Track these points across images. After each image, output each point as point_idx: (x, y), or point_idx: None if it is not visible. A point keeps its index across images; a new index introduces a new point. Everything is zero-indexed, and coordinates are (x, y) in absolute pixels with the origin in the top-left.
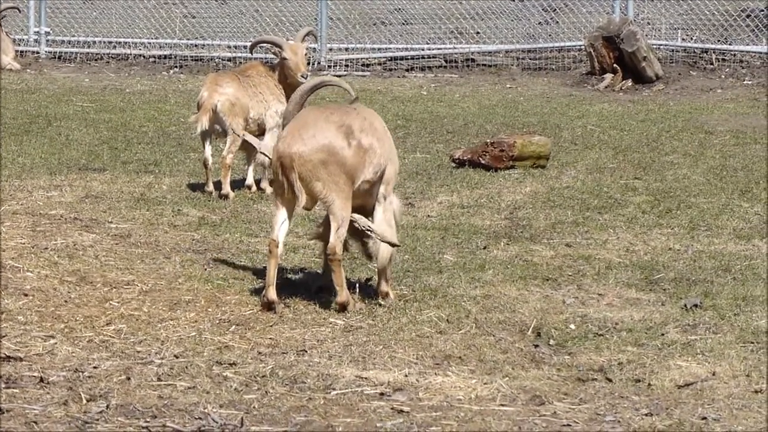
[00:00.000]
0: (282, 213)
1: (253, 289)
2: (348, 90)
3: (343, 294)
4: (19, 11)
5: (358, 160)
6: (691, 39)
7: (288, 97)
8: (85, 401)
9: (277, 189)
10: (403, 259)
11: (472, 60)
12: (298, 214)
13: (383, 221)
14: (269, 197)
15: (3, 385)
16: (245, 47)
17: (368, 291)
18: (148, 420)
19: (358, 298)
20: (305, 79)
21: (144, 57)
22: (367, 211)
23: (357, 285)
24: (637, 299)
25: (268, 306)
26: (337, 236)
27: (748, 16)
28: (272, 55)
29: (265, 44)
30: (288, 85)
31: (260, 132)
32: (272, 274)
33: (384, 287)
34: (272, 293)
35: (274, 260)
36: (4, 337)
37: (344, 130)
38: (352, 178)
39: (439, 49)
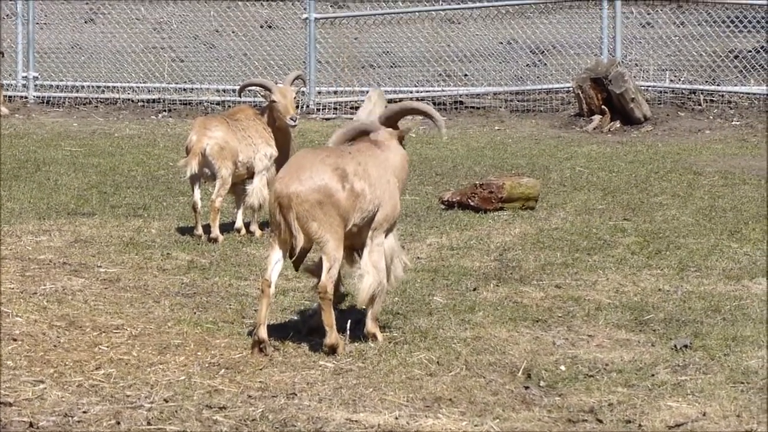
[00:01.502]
0: (277, 253)
1: (242, 333)
2: (436, 120)
3: (332, 336)
4: (2, 56)
5: (350, 204)
6: (679, 80)
7: (277, 140)
8: None
9: (273, 229)
10: (393, 301)
11: (461, 102)
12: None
13: (368, 262)
14: (258, 240)
15: None
16: (234, 91)
17: (359, 333)
18: None
19: (348, 340)
20: (294, 122)
21: (132, 101)
22: (356, 251)
23: (347, 327)
24: (627, 340)
25: (259, 344)
26: (328, 276)
27: (735, 57)
28: (261, 98)
29: (253, 87)
30: (277, 128)
31: (249, 175)
32: (263, 314)
33: (371, 327)
34: (263, 332)
35: (266, 300)
36: None
37: (339, 173)
38: (344, 220)
39: (427, 91)
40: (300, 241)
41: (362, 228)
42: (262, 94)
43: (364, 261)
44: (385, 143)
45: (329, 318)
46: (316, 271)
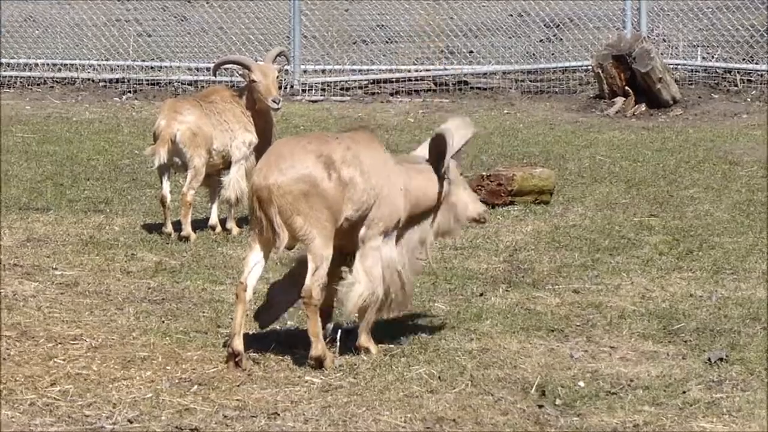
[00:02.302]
0: (256, 254)
1: (217, 344)
2: None
3: (318, 347)
4: None
5: (339, 194)
6: (713, 58)
7: (257, 126)
8: None
9: (253, 226)
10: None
11: (465, 83)
12: (272, 258)
13: (360, 269)
14: (236, 239)
15: None
16: (208, 69)
17: (350, 344)
18: None
19: (337, 352)
20: (277, 104)
21: (93, 81)
22: (346, 255)
23: (337, 337)
24: (655, 352)
25: (234, 357)
26: (314, 278)
27: None
28: (239, 78)
29: (230, 65)
30: (257, 112)
31: (225, 165)
32: (239, 322)
33: (363, 340)
34: (238, 343)
35: (242, 306)
36: None
37: (324, 161)
38: (334, 214)
39: (427, 70)
40: (284, 239)
41: (355, 225)
42: (240, 73)
43: (356, 267)
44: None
45: (315, 327)
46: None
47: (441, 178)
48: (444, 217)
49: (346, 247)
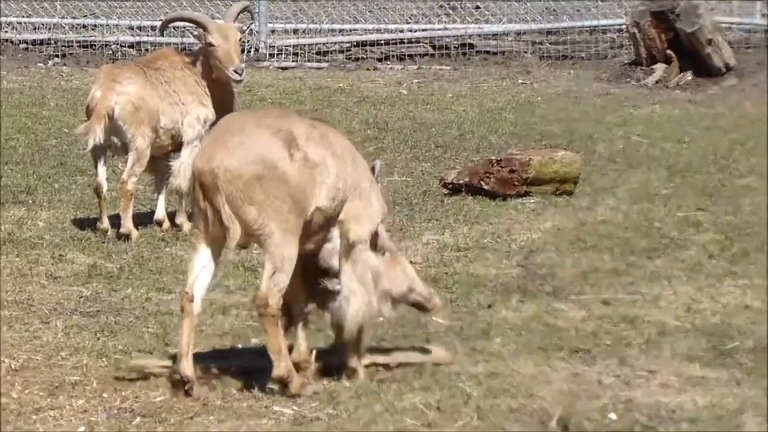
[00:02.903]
0: (202, 255)
1: (166, 366)
2: None
3: (281, 365)
4: None
5: (305, 178)
6: None
7: (214, 98)
8: None
9: (197, 221)
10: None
11: (471, 45)
12: (227, 258)
13: (352, 277)
14: (188, 237)
15: None
16: (153, 28)
17: (329, 365)
18: None
19: (313, 373)
20: (240, 75)
21: (12, 42)
22: (321, 264)
23: (312, 354)
24: (703, 377)
25: (182, 384)
26: (272, 282)
27: None
28: (192, 40)
29: (181, 24)
30: (214, 81)
31: (175, 147)
32: (186, 341)
33: (353, 362)
34: (186, 366)
35: (189, 321)
36: None
37: (283, 137)
38: (300, 203)
39: (424, 30)
40: (235, 235)
41: (330, 220)
42: (194, 33)
43: (346, 276)
44: None
45: (275, 342)
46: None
47: None
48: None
49: (320, 253)
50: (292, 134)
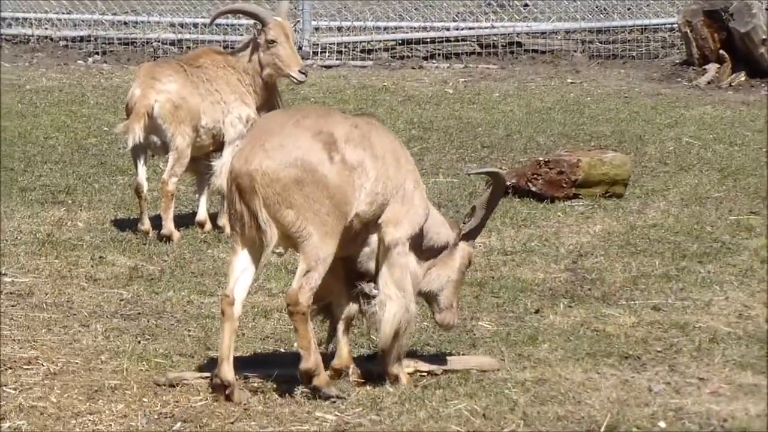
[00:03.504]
0: (242, 257)
1: (206, 370)
2: None
3: (310, 358)
4: None
5: (345, 180)
6: None
7: (258, 97)
8: None
9: (233, 223)
10: (420, 327)
11: (519, 44)
12: (267, 260)
13: (389, 282)
14: (229, 239)
15: None
16: (195, 26)
17: (370, 371)
18: None
19: (353, 378)
20: (305, 75)
21: (52, 39)
22: (359, 268)
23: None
24: (755, 385)
25: (223, 389)
26: (304, 280)
27: None
28: (235, 37)
29: (233, 17)
30: (265, 82)
31: (216, 146)
32: (227, 344)
33: (394, 368)
34: (227, 371)
35: (230, 324)
36: None
37: (323, 139)
38: (339, 205)
39: (470, 28)
40: (272, 239)
41: (368, 225)
42: (257, 28)
43: (383, 280)
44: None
45: (304, 337)
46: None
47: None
48: (432, 278)
49: (355, 257)
50: (332, 136)
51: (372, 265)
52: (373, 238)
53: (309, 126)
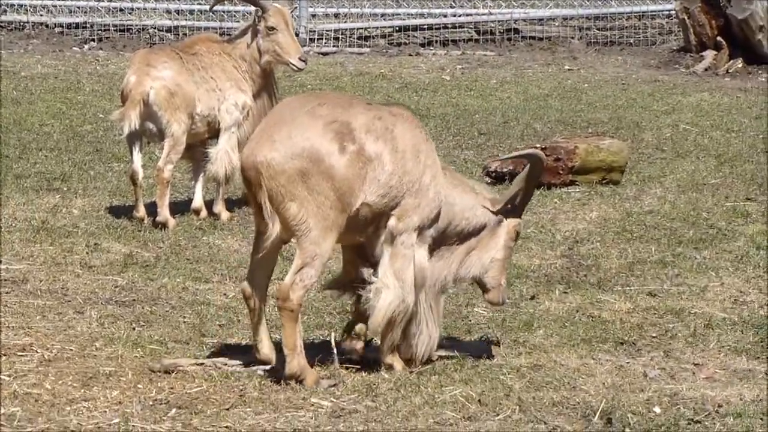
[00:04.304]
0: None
1: (200, 355)
2: None
3: (293, 363)
4: None
5: (354, 173)
6: None
7: (255, 84)
8: None
9: (253, 212)
10: None
11: (516, 30)
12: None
13: (389, 271)
14: (225, 226)
15: None
16: (191, 12)
17: (367, 358)
18: None
19: (338, 366)
20: (305, 63)
21: (47, 26)
22: (375, 258)
23: (332, 345)
24: (750, 371)
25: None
26: (299, 276)
27: None
28: (231, 24)
29: (233, 2)
30: (263, 69)
31: (212, 133)
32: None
33: (388, 357)
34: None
35: (253, 315)
36: None
37: (336, 128)
38: (343, 198)
39: (468, 15)
40: (274, 231)
41: (378, 215)
42: (259, 15)
43: (382, 268)
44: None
45: (290, 337)
46: (342, 286)
47: (501, 212)
48: (472, 262)
49: (364, 247)
50: (349, 126)
51: (378, 253)
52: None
53: (323, 114)
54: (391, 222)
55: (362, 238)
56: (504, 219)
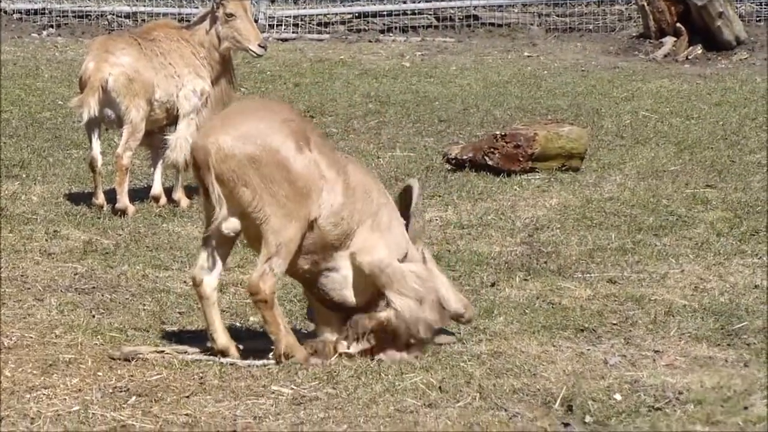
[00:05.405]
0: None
1: (160, 342)
2: None
3: (280, 344)
4: None
5: (311, 174)
6: None
7: (213, 70)
8: None
9: (202, 197)
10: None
11: (475, 17)
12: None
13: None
14: (185, 213)
15: None
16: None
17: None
18: None
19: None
20: (265, 49)
21: (6, 12)
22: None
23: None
24: (710, 358)
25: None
26: (267, 266)
27: None
28: (190, 10)
29: None
30: (222, 55)
31: (171, 120)
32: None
33: (342, 347)
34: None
35: (204, 303)
36: None
37: (294, 128)
38: (300, 191)
39: (428, 2)
40: (221, 216)
41: (328, 246)
42: (217, 1)
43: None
44: None
45: (273, 323)
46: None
47: None
48: None
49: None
50: (306, 135)
51: (347, 293)
52: (343, 264)
53: (285, 116)
54: (363, 261)
55: (306, 266)
56: None
